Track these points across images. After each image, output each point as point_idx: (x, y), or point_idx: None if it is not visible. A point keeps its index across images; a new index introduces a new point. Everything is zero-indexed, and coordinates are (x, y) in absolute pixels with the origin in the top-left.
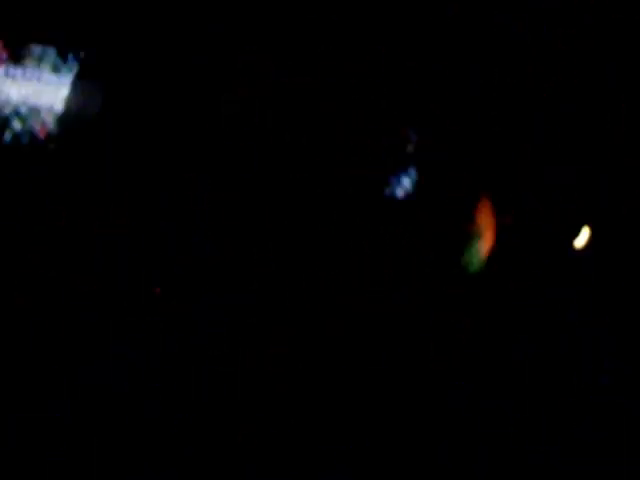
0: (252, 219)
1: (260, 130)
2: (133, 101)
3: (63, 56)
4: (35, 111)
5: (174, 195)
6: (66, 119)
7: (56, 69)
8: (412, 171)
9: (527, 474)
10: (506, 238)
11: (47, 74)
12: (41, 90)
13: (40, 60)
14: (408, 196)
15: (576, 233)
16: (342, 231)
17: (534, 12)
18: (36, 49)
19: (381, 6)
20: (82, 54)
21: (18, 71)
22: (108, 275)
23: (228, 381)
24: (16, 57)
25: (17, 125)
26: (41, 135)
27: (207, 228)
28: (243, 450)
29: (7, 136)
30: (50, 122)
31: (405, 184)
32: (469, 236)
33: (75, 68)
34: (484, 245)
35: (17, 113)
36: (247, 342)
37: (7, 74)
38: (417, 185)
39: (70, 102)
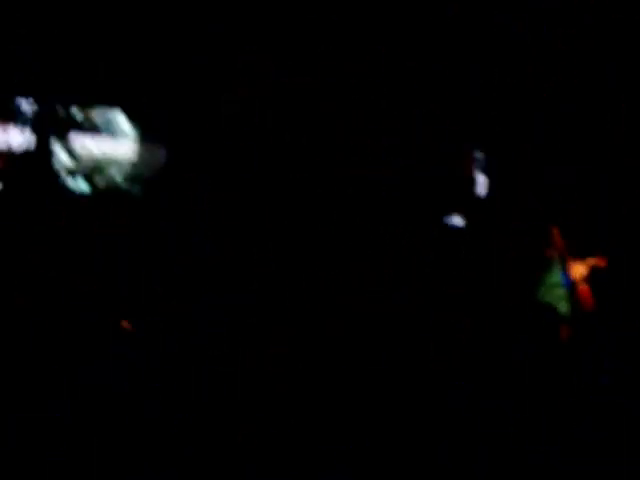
0: (252, 219)
1: (260, 130)
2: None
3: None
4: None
5: (174, 195)
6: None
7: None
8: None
9: (527, 474)
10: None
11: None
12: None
13: (111, 119)
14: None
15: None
16: (349, 233)
17: (534, 12)
18: (106, 111)
19: (381, 6)
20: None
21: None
22: (109, 275)
23: (228, 381)
24: (91, 118)
25: (94, 175)
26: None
27: (207, 228)
28: (243, 450)
29: (85, 184)
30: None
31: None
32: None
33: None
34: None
35: (94, 165)
36: (247, 342)
37: (84, 133)
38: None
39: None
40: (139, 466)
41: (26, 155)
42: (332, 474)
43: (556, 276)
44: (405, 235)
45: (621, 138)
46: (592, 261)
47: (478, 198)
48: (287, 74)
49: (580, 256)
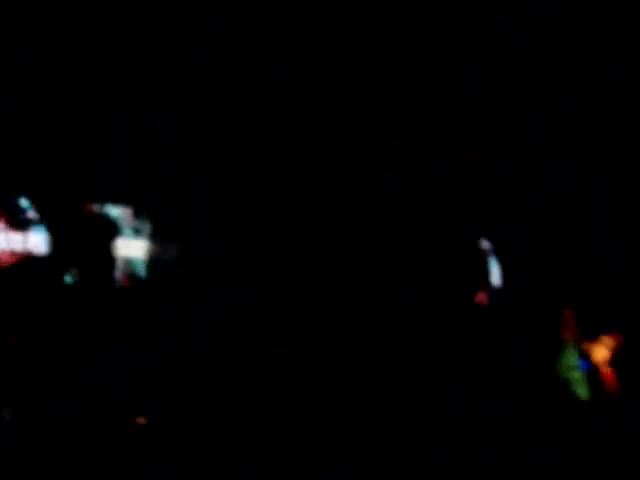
0: (252, 219)
1: (260, 130)
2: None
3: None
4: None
5: (174, 195)
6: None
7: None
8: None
9: (527, 474)
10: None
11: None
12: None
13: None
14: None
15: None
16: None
17: (534, 12)
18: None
19: (381, 6)
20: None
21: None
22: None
23: (228, 381)
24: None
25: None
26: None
27: (207, 228)
28: (243, 450)
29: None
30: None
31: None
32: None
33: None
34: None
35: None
36: (247, 342)
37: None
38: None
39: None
40: (139, 466)
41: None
42: (332, 474)
43: (572, 359)
44: (405, 235)
45: (621, 138)
46: (611, 342)
47: (490, 282)
48: (287, 74)
49: (595, 336)
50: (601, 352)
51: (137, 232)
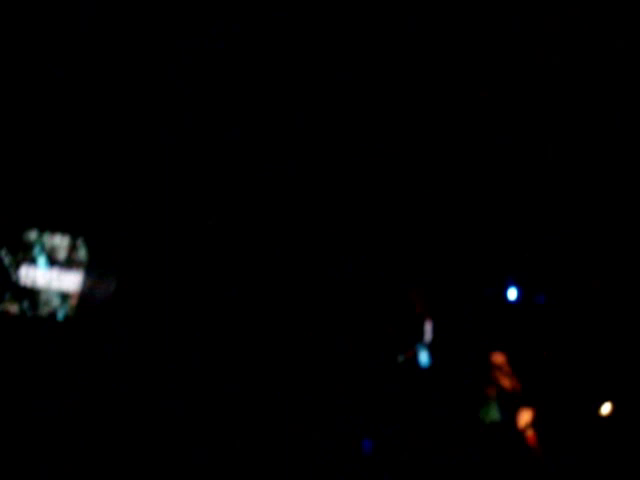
0: (252, 219)
1: (260, 130)
2: None
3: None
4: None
5: (176, 197)
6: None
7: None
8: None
9: (527, 474)
10: None
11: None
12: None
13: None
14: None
15: None
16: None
17: (534, 12)
18: (49, 240)
19: (381, 5)
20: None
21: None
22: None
23: (228, 381)
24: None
25: (40, 306)
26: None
27: (208, 228)
28: (243, 450)
29: (30, 315)
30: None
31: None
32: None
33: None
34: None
35: (39, 297)
36: (247, 342)
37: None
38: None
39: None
40: (139, 466)
41: None
42: (332, 473)
43: (494, 414)
44: (405, 236)
45: (621, 138)
46: (500, 359)
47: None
48: (287, 72)
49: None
50: (524, 415)
51: (71, 263)
